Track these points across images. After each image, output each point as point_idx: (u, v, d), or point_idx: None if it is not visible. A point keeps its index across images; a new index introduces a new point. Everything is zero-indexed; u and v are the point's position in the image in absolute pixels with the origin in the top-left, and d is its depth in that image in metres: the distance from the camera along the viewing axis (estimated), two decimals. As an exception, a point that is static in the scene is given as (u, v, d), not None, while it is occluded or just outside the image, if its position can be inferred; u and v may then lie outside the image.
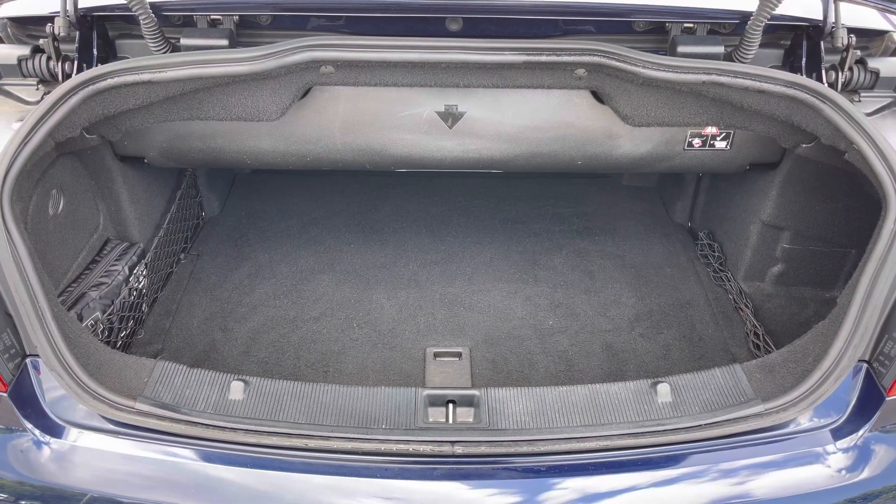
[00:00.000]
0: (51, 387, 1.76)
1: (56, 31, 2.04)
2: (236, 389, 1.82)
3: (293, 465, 1.71)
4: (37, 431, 1.73)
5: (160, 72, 1.91)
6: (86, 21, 2.10)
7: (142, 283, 2.54)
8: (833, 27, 2.12)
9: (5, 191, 1.71)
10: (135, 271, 2.49)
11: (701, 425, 1.75)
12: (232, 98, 2.09)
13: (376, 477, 1.69)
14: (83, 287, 2.24)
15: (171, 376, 1.85)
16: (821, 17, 2.14)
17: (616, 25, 2.20)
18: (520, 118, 2.30)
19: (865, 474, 1.76)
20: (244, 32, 2.17)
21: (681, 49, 2.10)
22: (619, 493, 1.70)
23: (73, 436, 1.74)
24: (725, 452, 1.74)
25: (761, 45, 2.10)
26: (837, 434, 1.78)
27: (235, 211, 3.31)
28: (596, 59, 1.95)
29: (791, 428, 1.78)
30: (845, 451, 1.77)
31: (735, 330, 2.58)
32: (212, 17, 2.12)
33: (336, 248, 3.03)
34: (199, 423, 1.72)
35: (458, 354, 2.42)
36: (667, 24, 2.17)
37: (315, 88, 2.19)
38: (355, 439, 1.71)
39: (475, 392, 1.84)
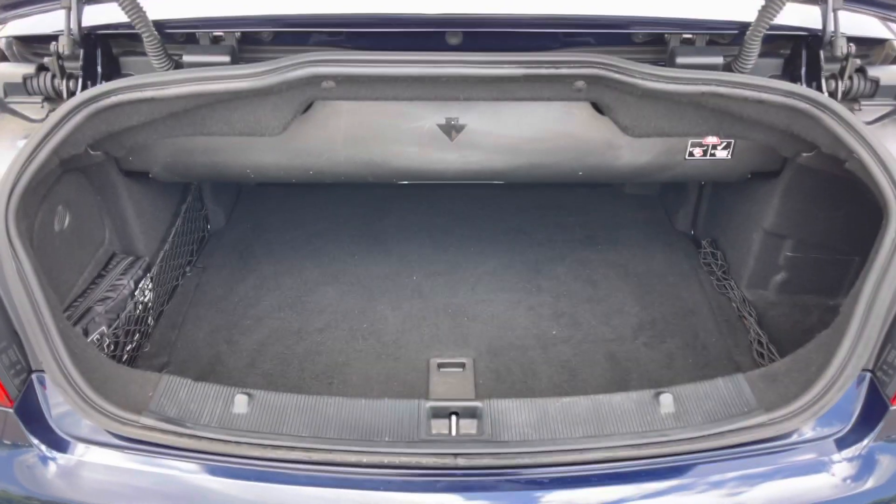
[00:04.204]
0: (56, 402, 1.77)
1: (60, 50, 2.06)
2: (240, 403, 1.83)
3: (297, 478, 1.72)
4: (43, 447, 1.75)
5: (163, 89, 1.93)
6: (90, 39, 2.12)
7: (147, 297, 2.56)
8: (832, 36, 2.12)
9: (10, 208, 1.72)
10: (140, 285, 2.51)
11: (704, 436, 1.74)
12: (234, 114, 2.10)
13: (379, 489, 1.70)
14: (89, 301, 2.26)
15: (176, 390, 1.86)
16: (820, 27, 2.14)
17: (615, 37, 2.21)
18: (520, 130, 2.31)
19: (870, 484, 1.75)
20: (246, 48, 2.19)
21: (680, 60, 2.10)
22: (623, 504, 1.71)
23: (80, 451, 1.75)
24: (729, 463, 1.74)
25: (760, 55, 2.10)
26: (841, 444, 1.77)
27: (241, 223, 3.33)
28: (595, 71, 1.95)
29: (795, 438, 1.77)
30: (850, 460, 1.76)
31: (739, 338, 2.58)
32: (214, 33, 2.14)
33: (340, 259, 3.04)
34: (203, 437, 1.73)
35: (462, 365, 2.42)
36: (666, 36, 2.18)
37: (317, 103, 2.21)
38: (358, 452, 1.72)
39: (478, 404, 1.84)
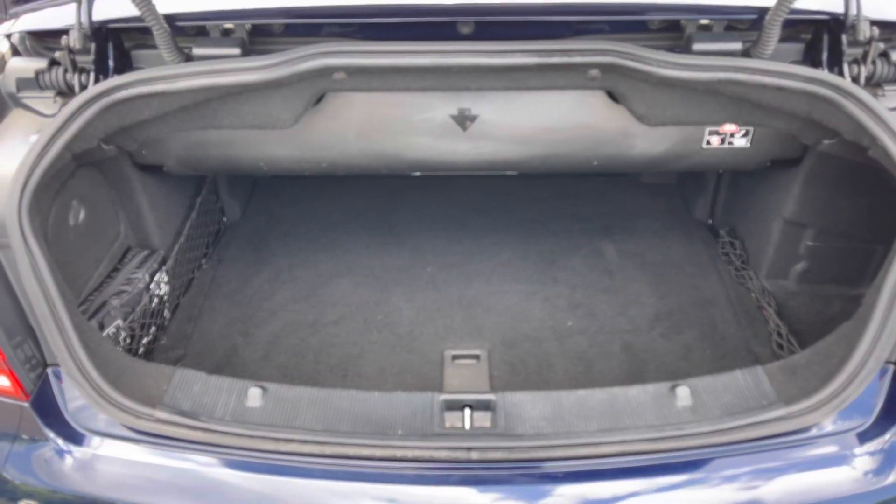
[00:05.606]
0: (72, 396, 1.80)
1: (72, 44, 2.05)
2: (254, 396, 1.84)
3: (310, 471, 1.73)
4: (59, 440, 1.77)
5: (173, 82, 1.92)
6: (101, 33, 2.11)
7: (163, 290, 2.57)
8: (855, 19, 2.06)
9: (24, 203, 1.73)
10: (156, 278, 2.52)
11: (721, 430, 1.72)
12: (245, 107, 2.10)
13: (393, 483, 1.70)
14: (104, 295, 2.27)
15: (191, 383, 1.87)
16: (842, 10, 2.08)
17: (630, 24, 2.16)
18: (534, 120, 2.28)
19: (893, 479, 1.72)
20: (257, 40, 2.17)
21: (696, 47, 2.05)
22: (638, 498, 1.68)
23: (95, 444, 1.77)
24: (747, 457, 1.72)
25: (780, 40, 2.04)
26: (863, 438, 1.75)
27: (256, 215, 3.33)
28: (609, 59, 1.92)
29: (815, 432, 1.75)
30: (872, 454, 1.74)
31: (758, 329, 2.54)
32: (224, 26, 2.13)
33: (354, 251, 3.04)
34: (216, 430, 1.74)
35: (477, 357, 2.40)
36: (682, 22, 2.13)
37: (328, 95, 2.20)
38: (371, 445, 1.72)
39: (492, 397, 1.83)
